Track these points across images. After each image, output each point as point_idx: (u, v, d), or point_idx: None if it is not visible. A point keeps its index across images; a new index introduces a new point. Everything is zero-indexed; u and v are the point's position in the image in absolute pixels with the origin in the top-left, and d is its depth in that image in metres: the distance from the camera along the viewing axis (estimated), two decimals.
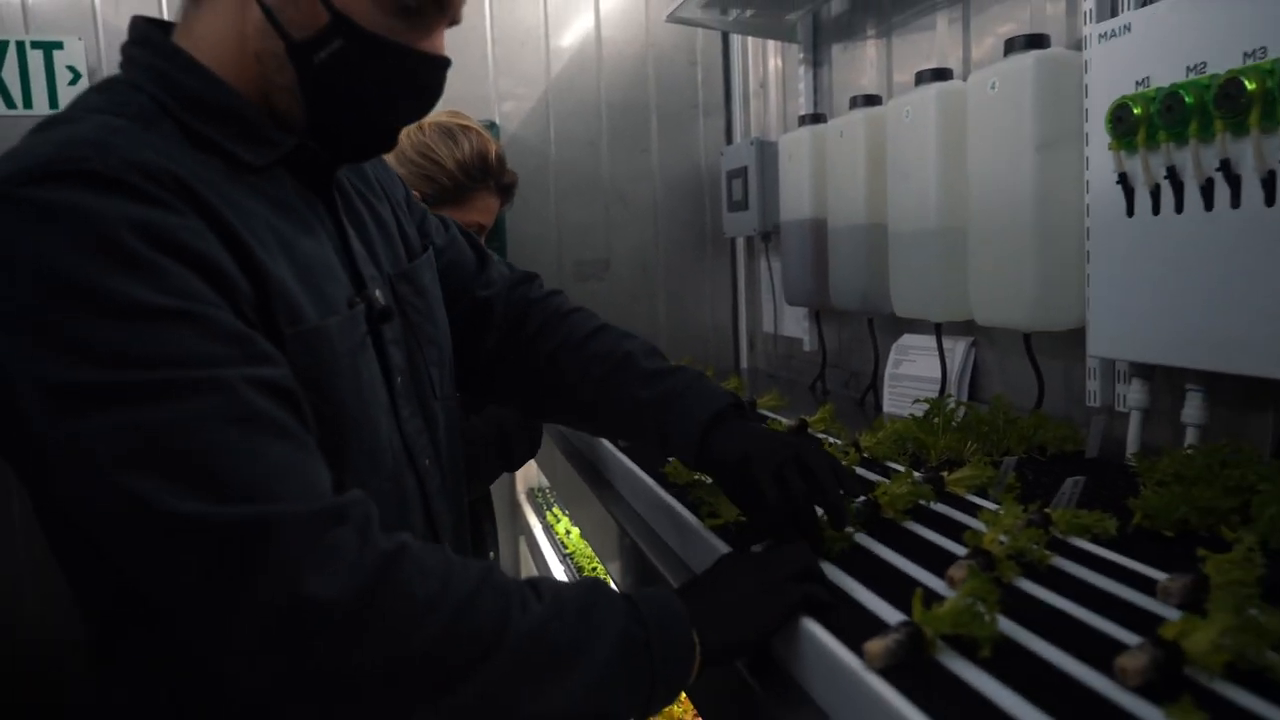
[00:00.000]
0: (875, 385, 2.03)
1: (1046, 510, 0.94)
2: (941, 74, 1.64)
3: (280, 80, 0.77)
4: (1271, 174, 1.01)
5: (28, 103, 2.32)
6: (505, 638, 0.64)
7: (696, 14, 2.26)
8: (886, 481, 1.04)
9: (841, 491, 0.87)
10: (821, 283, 2.12)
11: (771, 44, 2.60)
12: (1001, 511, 0.85)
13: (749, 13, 2.26)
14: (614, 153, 2.79)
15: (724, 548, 0.92)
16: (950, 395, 1.47)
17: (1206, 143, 1.08)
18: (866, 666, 0.64)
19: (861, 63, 2.15)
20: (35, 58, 2.32)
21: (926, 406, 1.42)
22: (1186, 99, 1.08)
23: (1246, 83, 1.00)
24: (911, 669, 0.64)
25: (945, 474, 1.10)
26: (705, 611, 0.73)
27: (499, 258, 1.19)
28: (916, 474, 1.09)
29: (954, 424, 1.39)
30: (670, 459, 1.21)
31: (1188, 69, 1.10)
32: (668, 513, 1.10)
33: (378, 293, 0.87)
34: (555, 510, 2.45)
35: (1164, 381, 1.32)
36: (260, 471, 0.61)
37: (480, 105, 2.67)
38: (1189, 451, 1.09)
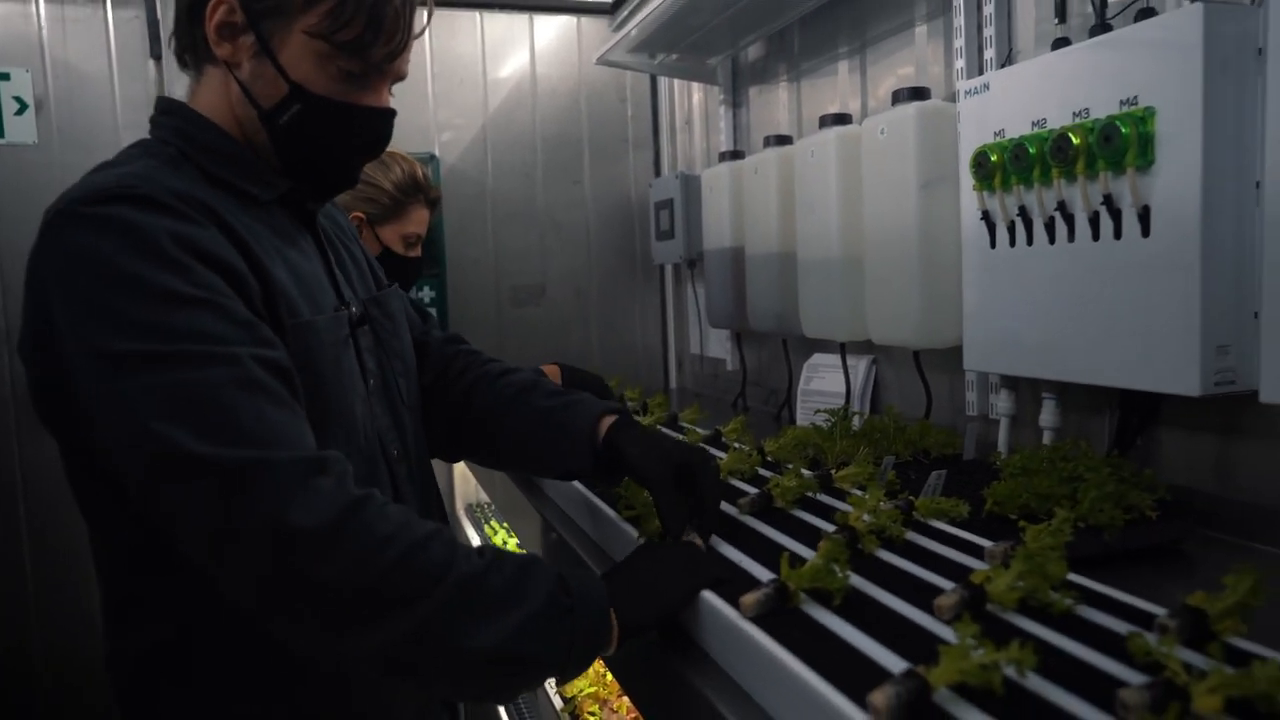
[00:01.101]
0: (789, 400, 2.20)
1: (911, 498, 1.10)
2: (842, 118, 1.83)
3: (259, 139, 0.96)
4: (1097, 214, 1.20)
5: None
6: (448, 577, 0.76)
7: (624, 58, 2.43)
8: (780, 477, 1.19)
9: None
10: (741, 307, 2.29)
11: (696, 83, 2.78)
12: (867, 497, 1.01)
13: (673, 57, 2.44)
14: (548, 183, 2.95)
15: (634, 533, 1.06)
16: (848, 406, 1.64)
17: (1047, 186, 1.27)
18: (742, 615, 0.79)
19: (775, 104, 2.35)
20: None
21: (827, 417, 1.59)
22: (1030, 149, 1.27)
23: (1073, 137, 1.20)
24: (778, 616, 0.79)
25: (834, 472, 1.26)
26: (623, 593, 0.85)
27: (435, 321, 1.34)
28: (809, 472, 1.24)
29: (851, 431, 1.56)
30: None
31: (1032, 123, 1.30)
32: (592, 510, 1.24)
33: (354, 307, 1.03)
34: (493, 523, 2.56)
35: (1029, 392, 1.51)
36: (261, 426, 0.76)
37: (420, 137, 2.80)
38: (1033, 450, 1.27)
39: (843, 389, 1.97)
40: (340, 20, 0.89)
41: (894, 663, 0.68)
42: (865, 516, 0.98)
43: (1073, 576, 0.84)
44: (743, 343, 2.54)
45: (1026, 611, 0.77)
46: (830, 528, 1.05)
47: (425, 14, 0.99)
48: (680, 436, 1.54)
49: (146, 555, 0.89)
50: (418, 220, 1.84)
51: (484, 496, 2.60)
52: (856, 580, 0.86)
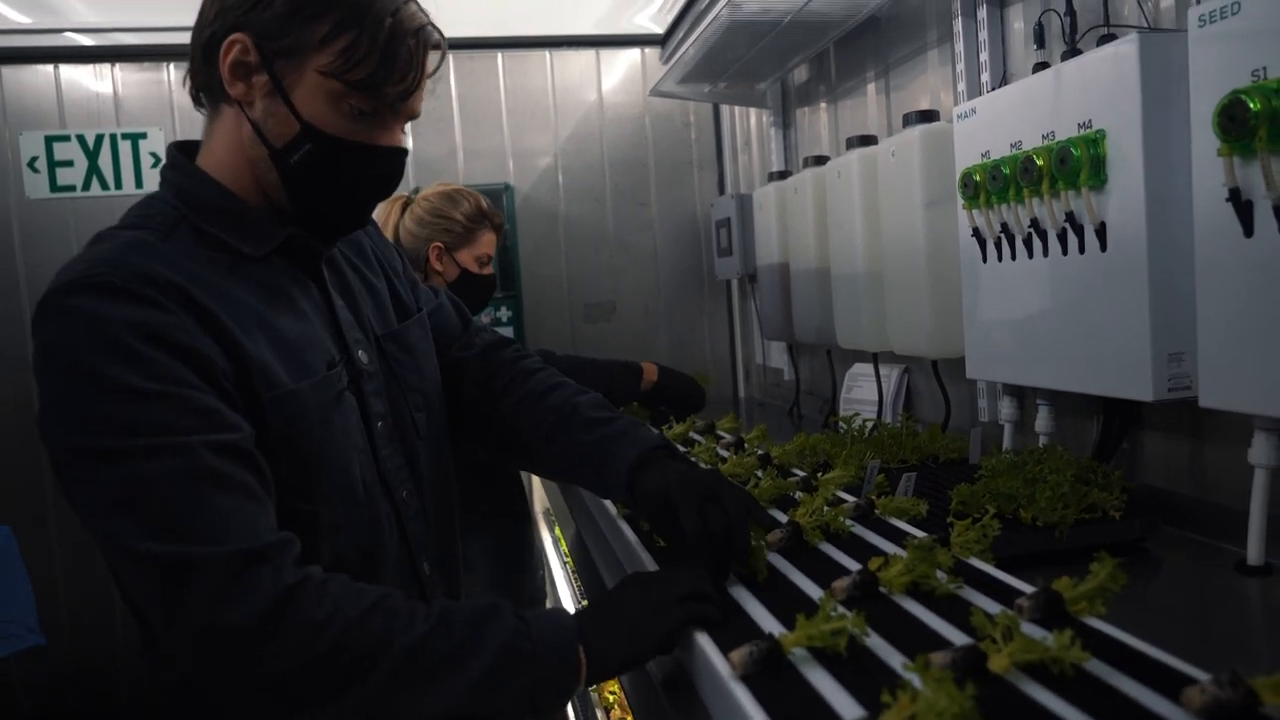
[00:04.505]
0: (834, 409, 2.29)
1: (872, 498, 1.21)
2: (867, 140, 1.92)
3: (269, 179, 0.96)
4: (1064, 231, 1.27)
5: (119, 184, 2.77)
6: (389, 651, 0.77)
7: (676, 88, 2.59)
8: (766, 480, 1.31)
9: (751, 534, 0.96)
10: (790, 319, 2.39)
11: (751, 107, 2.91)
12: (816, 494, 1.13)
13: (722, 85, 2.57)
14: (617, 206, 3.13)
15: (648, 559, 1.08)
16: (857, 414, 1.74)
17: (1021, 205, 1.34)
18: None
19: (819, 125, 2.45)
20: (125, 147, 2.78)
21: (842, 425, 1.69)
22: (1005, 170, 1.35)
23: (1037, 159, 1.27)
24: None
25: (818, 475, 1.37)
26: (596, 629, 0.84)
27: (485, 324, 1.36)
28: (800, 473, 1.36)
29: (864, 438, 1.65)
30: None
31: (1010, 145, 1.37)
32: (618, 530, 1.29)
33: (361, 353, 1.04)
34: (559, 529, 2.75)
35: (1031, 398, 1.57)
36: (202, 518, 0.78)
37: (497, 169, 3.03)
38: (1011, 454, 1.34)
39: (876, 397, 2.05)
40: (353, 59, 0.90)
41: (780, 631, 0.80)
42: (812, 513, 1.10)
43: (989, 570, 0.94)
44: (796, 354, 2.64)
45: (916, 595, 0.87)
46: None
47: (439, 55, 0.99)
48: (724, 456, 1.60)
49: None
50: (486, 243, 2.12)
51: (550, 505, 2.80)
52: (783, 565, 0.98)
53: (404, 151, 1.02)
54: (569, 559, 2.54)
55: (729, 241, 2.82)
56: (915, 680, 0.63)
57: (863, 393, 2.17)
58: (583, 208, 3.11)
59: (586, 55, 3.08)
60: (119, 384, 0.79)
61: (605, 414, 1.15)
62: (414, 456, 1.10)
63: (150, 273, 0.85)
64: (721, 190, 3.16)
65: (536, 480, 2.94)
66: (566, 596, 2.28)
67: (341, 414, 0.98)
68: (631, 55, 3.12)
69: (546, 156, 3.09)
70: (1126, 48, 1.14)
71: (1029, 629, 0.75)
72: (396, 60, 0.92)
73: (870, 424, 1.70)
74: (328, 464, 0.95)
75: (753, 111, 2.92)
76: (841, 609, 0.78)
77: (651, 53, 3.09)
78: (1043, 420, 1.48)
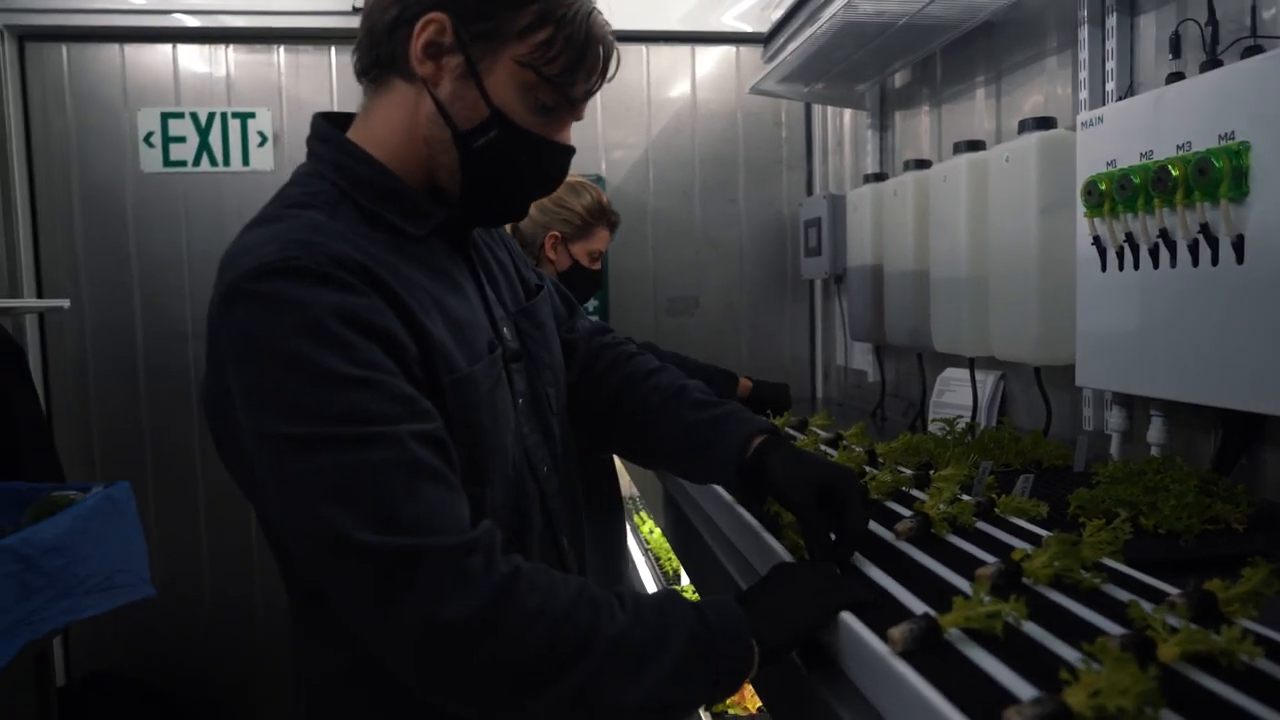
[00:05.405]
0: (923, 412, 2.30)
1: (993, 496, 1.22)
2: (975, 145, 1.92)
3: (444, 160, 0.96)
4: (1196, 241, 1.27)
5: (226, 161, 2.88)
6: (596, 641, 0.77)
7: (776, 87, 2.60)
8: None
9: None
10: (880, 321, 2.40)
11: (846, 108, 2.91)
12: (942, 488, 1.14)
13: (821, 85, 2.59)
14: (705, 202, 3.16)
15: (773, 542, 1.09)
16: (960, 417, 1.74)
17: (1150, 215, 1.34)
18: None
19: (919, 128, 2.45)
20: (234, 125, 2.88)
21: (943, 426, 1.70)
22: (1134, 179, 1.35)
23: (1172, 169, 1.27)
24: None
25: (932, 472, 1.38)
26: (761, 618, 0.84)
27: (582, 309, 1.36)
28: (907, 471, 1.38)
29: (966, 440, 1.66)
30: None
31: (1140, 155, 1.37)
32: (731, 513, 1.31)
33: (505, 330, 1.05)
34: (642, 514, 2.80)
35: (1141, 409, 1.56)
36: (419, 510, 0.77)
37: (589, 160, 3.08)
38: (1127, 461, 1.34)
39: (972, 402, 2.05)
40: (550, 53, 0.92)
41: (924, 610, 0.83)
42: (941, 505, 1.12)
43: (1126, 570, 0.95)
44: (883, 356, 2.64)
45: (1059, 587, 0.89)
46: (909, 513, 1.19)
47: (616, 62, 1.00)
48: (830, 453, 1.61)
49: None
50: (601, 239, 2.17)
51: (635, 491, 2.84)
52: (918, 554, 1.00)
53: (572, 150, 1.03)
54: (650, 545, 2.58)
55: (818, 241, 2.83)
56: (1091, 664, 0.65)
57: (955, 397, 2.17)
58: (671, 201, 3.15)
59: (681, 51, 3.12)
60: (326, 370, 0.78)
61: (713, 398, 1.17)
62: (549, 432, 1.10)
63: (340, 254, 0.84)
64: (810, 190, 3.17)
65: (619, 468, 2.99)
66: (650, 583, 2.32)
67: (502, 395, 0.99)
68: (725, 52, 3.15)
69: (638, 150, 3.13)
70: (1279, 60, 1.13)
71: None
72: (586, 59, 0.95)
73: (974, 427, 1.71)
74: (493, 445, 0.95)
75: (846, 113, 2.92)
76: (993, 595, 0.80)
77: (746, 51, 3.12)
78: (1155, 431, 1.47)
